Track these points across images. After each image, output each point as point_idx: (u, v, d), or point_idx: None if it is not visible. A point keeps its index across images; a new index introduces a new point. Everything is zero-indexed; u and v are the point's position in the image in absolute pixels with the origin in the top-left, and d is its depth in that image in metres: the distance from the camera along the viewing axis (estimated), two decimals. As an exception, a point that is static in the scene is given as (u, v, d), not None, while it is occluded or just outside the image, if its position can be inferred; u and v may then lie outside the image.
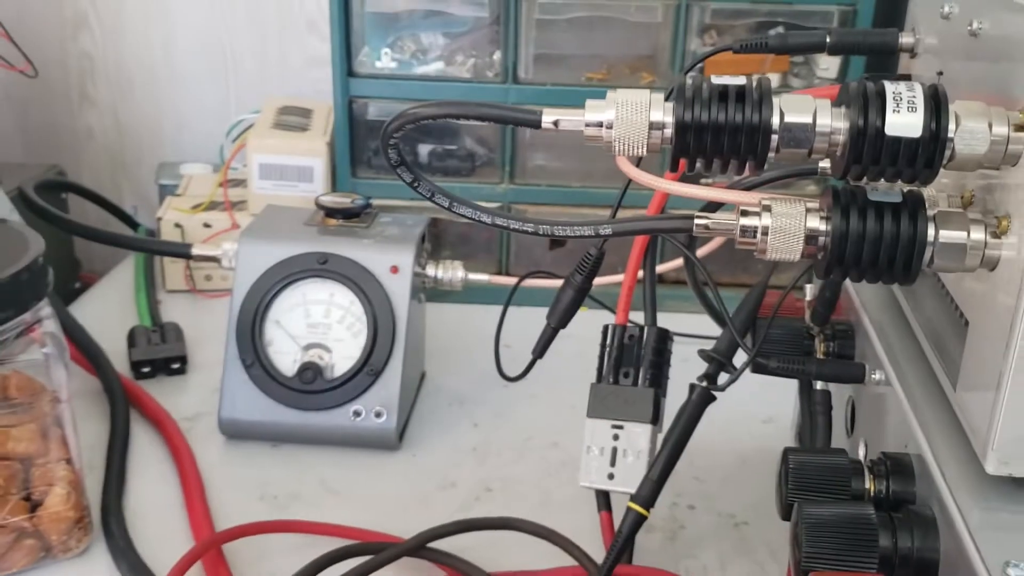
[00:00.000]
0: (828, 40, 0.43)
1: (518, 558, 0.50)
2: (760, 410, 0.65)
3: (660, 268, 0.65)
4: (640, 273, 0.50)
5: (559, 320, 0.50)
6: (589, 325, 0.52)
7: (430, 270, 0.65)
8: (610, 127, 0.32)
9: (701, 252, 0.62)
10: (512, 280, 0.64)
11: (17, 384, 0.50)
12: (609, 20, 0.75)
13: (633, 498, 0.46)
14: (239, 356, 0.60)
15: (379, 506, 0.55)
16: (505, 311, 0.58)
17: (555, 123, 0.33)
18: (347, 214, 0.64)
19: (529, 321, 0.54)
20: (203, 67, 0.98)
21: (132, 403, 0.63)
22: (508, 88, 0.76)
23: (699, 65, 0.46)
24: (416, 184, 0.37)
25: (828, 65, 0.76)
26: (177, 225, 0.80)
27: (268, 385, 0.60)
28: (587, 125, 0.32)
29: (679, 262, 0.63)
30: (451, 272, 0.65)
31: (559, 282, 0.53)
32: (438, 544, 0.49)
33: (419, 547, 0.48)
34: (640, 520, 0.45)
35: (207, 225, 0.80)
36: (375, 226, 0.64)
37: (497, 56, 0.76)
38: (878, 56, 0.47)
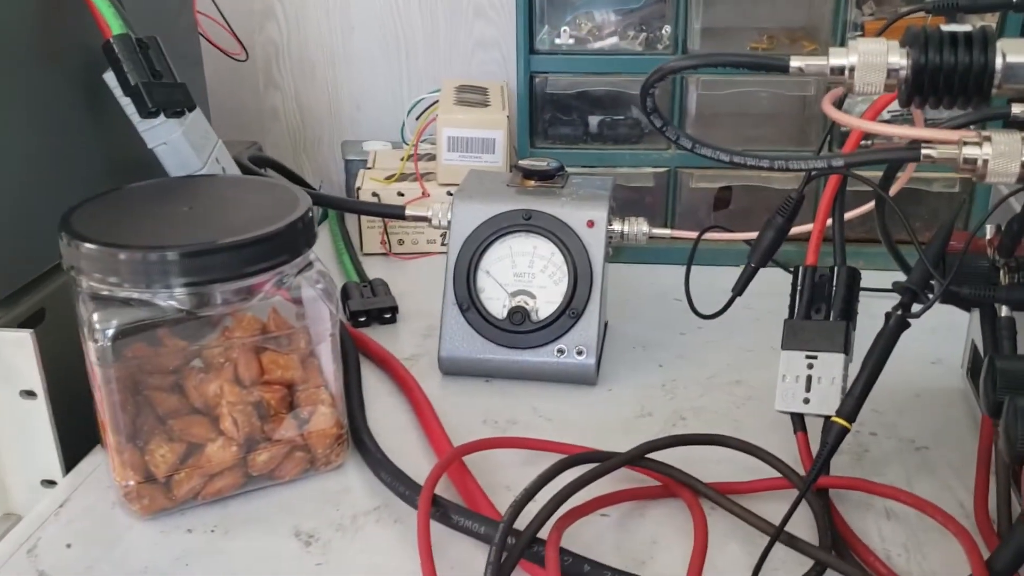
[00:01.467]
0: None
1: (723, 472, 0.56)
2: (929, 352, 0.70)
3: (848, 215, 0.69)
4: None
5: (760, 259, 0.56)
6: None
7: (616, 225, 0.71)
8: (852, 70, 0.37)
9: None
10: (692, 235, 0.69)
11: (275, 321, 0.59)
12: (775, -8, 0.80)
13: (837, 413, 0.51)
14: (455, 302, 0.68)
15: (588, 431, 0.62)
16: (691, 260, 0.64)
17: (800, 69, 0.39)
18: (544, 175, 0.71)
19: (695, 280, 0.60)
20: (378, 52, 1.07)
21: (358, 346, 0.71)
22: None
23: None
24: (664, 128, 0.43)
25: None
26: (374, 194, 0.88)
27: (482, 326, 0.67)
28: (831, 70, 0.38)
29: (862, 209, 0.68)
30: (636, 227, 0.71)
31: (734, 236, 0.58)
32: (653, 456, 0.56)
33: (639, 457, 0.54)
34: (843, 433, 0.51)
35: (400, 194, 0.88)
36: (568, 186, 0.71)
37: (667, 30, 0.82)
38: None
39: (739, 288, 0.57)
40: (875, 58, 0.37)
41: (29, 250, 0.61)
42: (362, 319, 0.76)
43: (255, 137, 1.09)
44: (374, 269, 0.86)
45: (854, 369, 0.52)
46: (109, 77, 0.63)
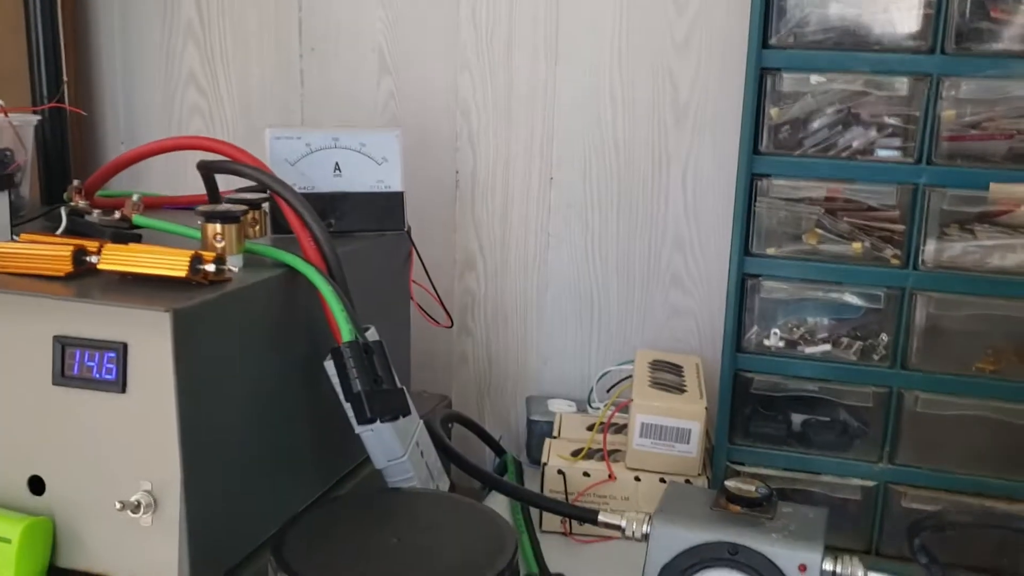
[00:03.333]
0: None
1: None
2: None
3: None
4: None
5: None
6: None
7: (827, 565, 0.66)
8: None
9: None
10: (911, 582, 0.64)
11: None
12: (1007, 317, 0.76)
13: None
14: (649, 635, 0.63)
15: None
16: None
17: None
18: (752, 503, 0.67)
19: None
20: (570, 311, 1.08)
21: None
22: (895, 373, 0.78)
23: None
24: (930, 567, 0.39)
25: None
26: (559, 472, 0.86)
27: (676, 668, 0.62)
28: None
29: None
30: (850, 569, 0.66)
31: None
32: None
33: None
34: None
35: (586, 474, 0.86)
36: (778, 517, 0.66)
37: (884, 339, 0.79)
38: None
39: None
40: None
41: (235, 538, 0.61)
42: (544, 624, 0.72)
43: (442, 377, 1.11)
44: (554, 553, 0.82)
45: None
46: (330, 366, 0.65)
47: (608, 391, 0.93)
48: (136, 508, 0.58)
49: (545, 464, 0.87)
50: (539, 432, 0.98)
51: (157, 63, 1.15)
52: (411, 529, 0.57)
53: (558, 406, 1.00)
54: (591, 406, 1.01)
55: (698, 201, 1.02)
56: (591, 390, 0.98)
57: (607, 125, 1.03)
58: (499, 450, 1.02)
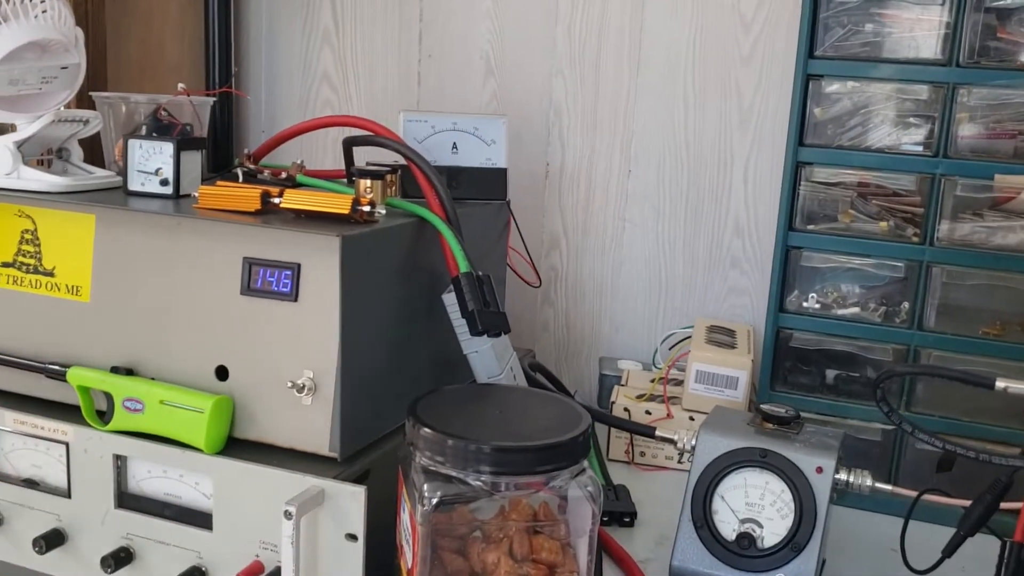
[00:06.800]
0: None
1: None
2: None
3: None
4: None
5: (969, 528, 0.65)
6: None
7: (843, 474, 0.81)
8: (1047, 396, 0.48)
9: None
10: (911, 493, 0.78)
11: (544, 511, 0.72)
12: (1008, 288, 0.90)
13: None
14: (691, 519, 0.79)
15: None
16: (908, 518, 0.73)
17: (1005, 388, 0.49)
18: (782, 421, 0.82)
19: (912, 534, 0.68)
20: (641, 288, 1.24)
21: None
22: (913, 333, 0.93)
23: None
24: (890, 414, 0.55)
25: None
26: (625, 409, 1.03)
27: (712, 544, 0.78)
28: (1030, 393, 0.48)
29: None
30: (860, 479, 0.81)
31: (950, 501, 0.66)
32: None
33: None
34: None
35: (648, 412, 1.02)
36: (803, 433, 0.81)
37: (905, 306, 0.93)
38: None
39: (949, 551, 0.66)
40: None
41: (370, 422, 0.79)
42: (604, 519, 0.88)
43: (527, 343, 1.28)
44: (617, 475, 0.99)
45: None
46: (447, 297, 0.83)
47: (670, 349, 1.09)
48: (301, 389, 0.75)
49: (613, 403, 1.04)
50: (609, 385, 1.14)
51: (296, 64, 1.35)
52: (509, 407, 0.73)
53: (627, 365, 1.17)
54: (655, 365, 1.16)
55: (757, 193, 1.18)
56: (655, 351, 1.13)
57: (679, 126, 1.20)
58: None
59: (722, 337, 1.06)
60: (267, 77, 1.37)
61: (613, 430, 1.03)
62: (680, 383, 1.05)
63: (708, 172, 1.19)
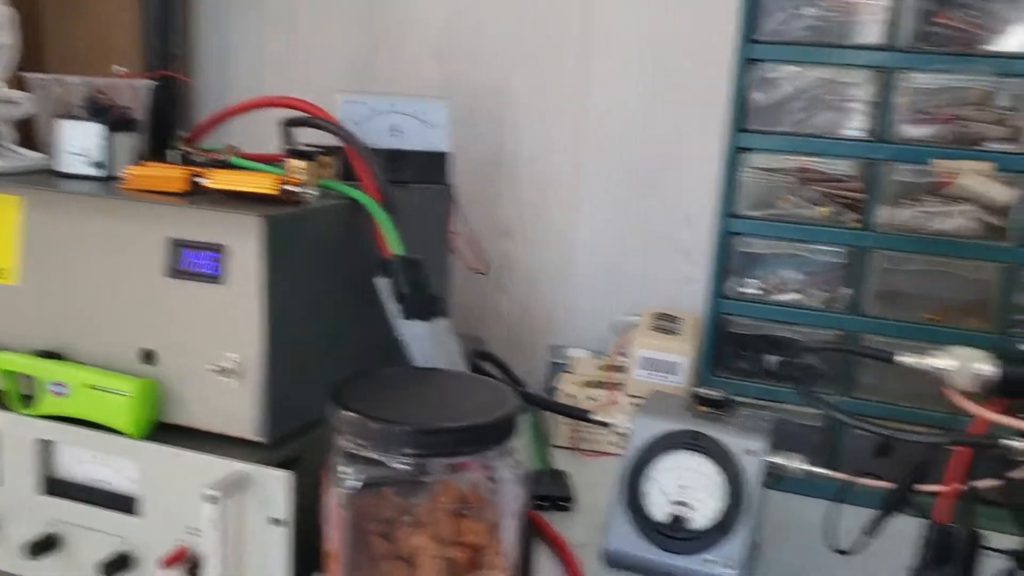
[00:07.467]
0: None
1: None
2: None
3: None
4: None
5: (888, 507, 0.64)
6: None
7: (774, 457, 0.81)
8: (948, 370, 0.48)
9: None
10: (842, 476, 0.78)
11: (473, 494, 0.72)
12: (948, 274, 0.90)
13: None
14: (624, 502, 0.79)
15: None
16: (839, 498, 0.73)
17: (904, 363, 0.49)
18: (715, 404, 0.82)
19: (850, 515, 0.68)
20: (594, 275, 1.24)
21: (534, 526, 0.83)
22: (853, 319, 0.93)
23: None
24: (799, 390, 0.54)
25: None
26: (570, 395, 1.02)
27: (644, 526, 0.78)
28: (932, 368, 0.48)
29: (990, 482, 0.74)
30: (792, 462, 0.80)
31: (878, 484, 0.66)
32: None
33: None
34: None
35: (591, 399, 1.02)
36: (736, 417, 0.81)
37: (844, 291, 0.93)
38: None
39: (870, 530, 0.65)
40: (968, 363, 0.47)
41: (299, 406, 0.78)
42: (543, 504, 0.88)
43: (478, 331, 1.27)
44: (560, 461, 0.98)
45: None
46: (380, 282, 0.82)
47: (616, 335, 1.08)
48: (227, 373, 0.75)
49: (558, 389, 1.03)
50: (558, 372, 1.13)
51: (248, 49, 1.34)
52: (439, 389, 0.73)
53: (576, 353, 1.16)
54: (605, 354, 1.16)
55: (707, 182, 1.17)
56: (608, 340, 1.13)
57: (633, 114, 1.19)
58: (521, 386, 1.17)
59: (667, 324, 1.06)
60: (218, 61, 1.35)
61: (560, 417, 1.03)
62: (627, 370, 1.04)
63: (660, 160, 1.19)
